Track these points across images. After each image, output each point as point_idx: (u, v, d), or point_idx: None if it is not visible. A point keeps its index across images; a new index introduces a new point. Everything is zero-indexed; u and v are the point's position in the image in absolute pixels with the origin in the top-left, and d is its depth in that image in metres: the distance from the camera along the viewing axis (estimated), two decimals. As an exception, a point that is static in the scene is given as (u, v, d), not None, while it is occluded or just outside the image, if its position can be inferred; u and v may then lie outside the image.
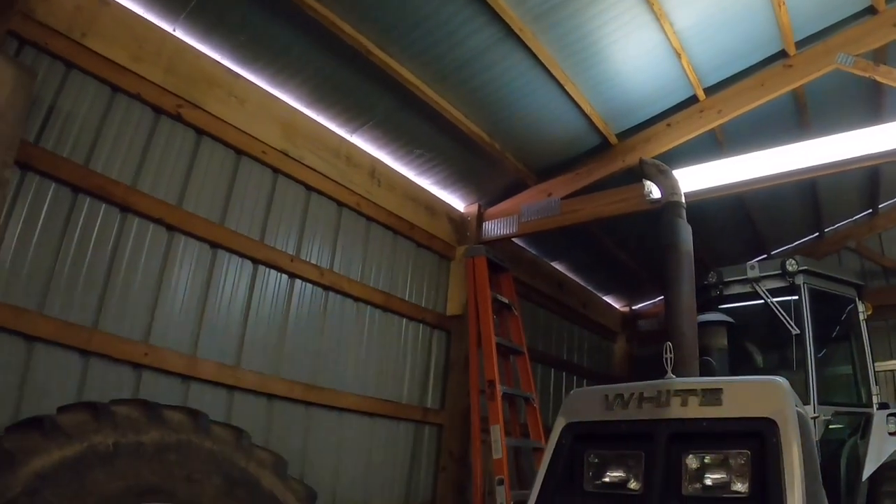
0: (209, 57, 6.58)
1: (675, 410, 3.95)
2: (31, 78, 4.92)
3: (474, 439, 8.28)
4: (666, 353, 4.45)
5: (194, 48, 6.46)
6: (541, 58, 7.46)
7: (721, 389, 3.87)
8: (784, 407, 3.75)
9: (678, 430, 3.90)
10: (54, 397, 4.90)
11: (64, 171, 5.30)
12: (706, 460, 3.83)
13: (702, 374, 5.68)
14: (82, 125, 5.55)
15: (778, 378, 3.92)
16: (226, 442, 5.16)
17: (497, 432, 7.86)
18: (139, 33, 5.97)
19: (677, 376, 4.38)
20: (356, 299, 7.90)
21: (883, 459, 7.35)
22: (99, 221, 5.55)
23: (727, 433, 3.81)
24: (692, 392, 3.96)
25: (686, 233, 6.34)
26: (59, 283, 5.22)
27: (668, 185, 7.09)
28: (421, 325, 8.93)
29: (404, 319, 8.67)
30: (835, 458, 7.31)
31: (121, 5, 5.89)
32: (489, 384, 8.19)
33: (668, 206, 6.80)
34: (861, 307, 8.36)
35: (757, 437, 3.71)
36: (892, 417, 7.56)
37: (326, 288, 7.51)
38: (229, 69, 6.74)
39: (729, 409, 3.82)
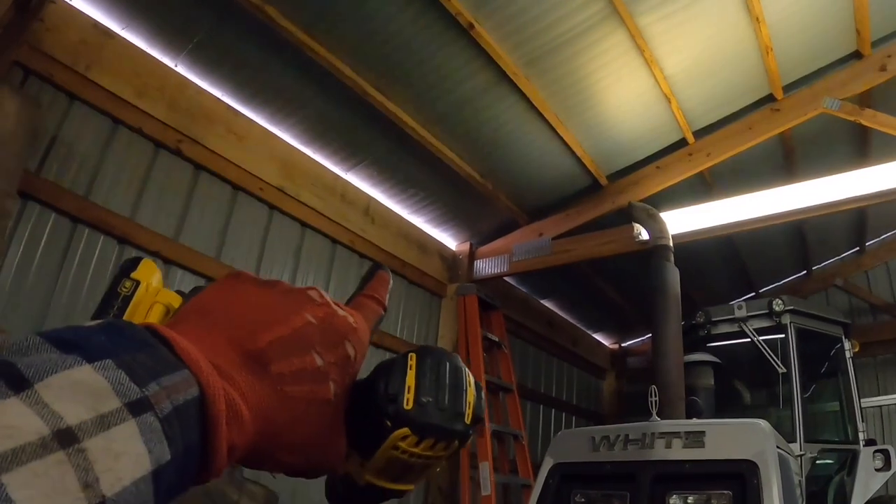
0: (210, 93, 6.69)
1: (659, 452, 4.04)
2: (35, 109, 5.02)
3: (463, 476, 8.31)
4: (651, 395, 4.55)
5: (196, 84, 6.57)
6: (534, 101, 7.62)
7: (703, 432, 3.97)
8: (764, 448, 3.84)
9: (662, 472, 3.99)
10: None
11: (64, 202, 5.39)
12: (689, 501, 3.92)
13: (688, 414, 5.79)
14: (84, 157, 5.65)
15: (759, 420, 4.02)
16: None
17: (486, 469, 7.90)
18: (143, 68, 6.10)
19: (664, 416, 4.48)
20: (349, 336, 7.92)
21: (869, 496, 7.42)
22: (97, 253, 5.61)
23: (710, 474, 3.91)
24: (676, 434, 4.05)
25: (673, 276, 6.48)
26: (56, 311, 5.28)
27: (657, 229, 7.25)
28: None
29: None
30: (822, 494, 7.36)
31: (125, 40, 6.02)
32: (478, 421, 8.22)
33: (655, 250, 6.95)
34: (847, 345, 8.45)
35: (738, 478, 3.80)
36: (879, 454, 7.63)
37: (319, 323, 7.54)
38: (229, 106, 6.85)
39: (711, 450, 3.91)
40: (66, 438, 0.47)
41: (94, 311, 0.96)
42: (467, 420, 0.86)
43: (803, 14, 7.57)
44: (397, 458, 0.83)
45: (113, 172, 5.85)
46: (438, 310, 9.54)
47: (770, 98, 8.51)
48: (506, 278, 10.33)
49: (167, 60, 6.35)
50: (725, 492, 3.80)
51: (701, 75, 8.05)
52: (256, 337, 0.74)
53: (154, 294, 0.96)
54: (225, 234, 6.72)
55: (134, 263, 0.99)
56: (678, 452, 3.94)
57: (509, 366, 9.39)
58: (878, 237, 12.77)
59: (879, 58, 7.92)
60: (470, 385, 0.88)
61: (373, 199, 8.46)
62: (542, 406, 11.88)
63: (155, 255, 6.00)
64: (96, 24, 5.78)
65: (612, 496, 4.13)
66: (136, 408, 0.53)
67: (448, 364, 0.88)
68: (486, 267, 9.59)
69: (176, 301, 0.95)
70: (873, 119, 7.78)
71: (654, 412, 4.38)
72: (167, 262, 6.12)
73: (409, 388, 0.83)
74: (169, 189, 6.30)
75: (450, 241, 9.86)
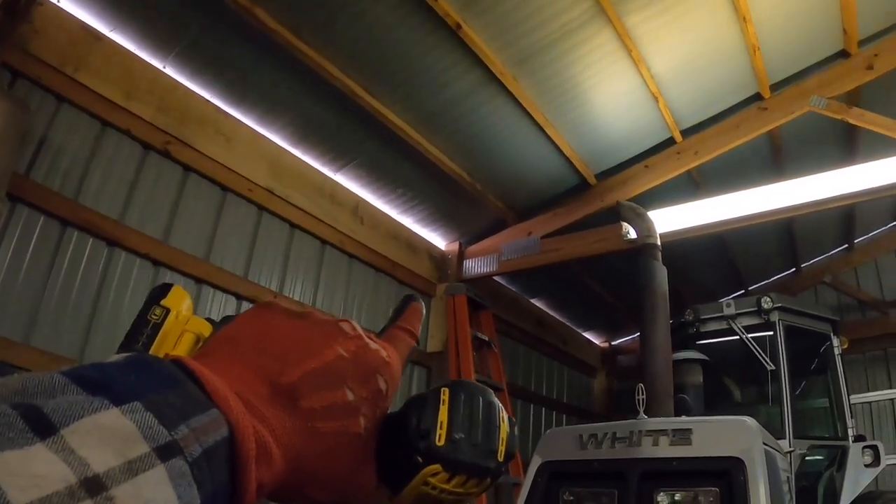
0: (199, 95, 6.70)
1: (647, 450, 4.07)
2: (23, 111, 5.01)
3: (453, 475, 8.31)
4: (638, 394, 4.57)
5: (184, 86, 6.58)
6: (521, 101, 7.66)
7: (690, 429, 4.00)
8: (751, 446, 3.87)
9: (650, 469, 4.02)
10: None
11: (53, 205, 5.39)
12: (676, 498, 3.95)
13: (677, 412, 5.82)
14: (72, 159, 5.65)
15: (745, 418, 4.05)
16: None
17: (476, 468, 7.91)
18: (131, 70, 6.10)
19: (653, 414, 4.51)
20: (338, 335, 7.92)
21: (859, 491, 7.49)
22: (86, 255, 5.61)
23: (697, 472, 3.93)
24: (663, 432, 4.08)
25: (661, 274, 6.51)
26: (45, 315, 5.28)
27: (644, 228, 7.29)
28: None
29: (385, 356, 8.67)
30: (812, 490, 7.40)
31: (113, 42, 6.01)
32: (469, 420, 8.23)
33: (643, 249, 6.98)
34: (836, 342, 8.51)
35: (725, 476, 3.83)
36: (868, 450, 7.68)
37: (308, 325, 7.54)
38: (218, 107, 6.86)
39: (698, 448, 3.94)
40: (93, 486, 0.47)
41: (124, 338, 0.96)
42: (500, 457, 0.86)
43: (790, 13, 7.60)
44: (427, 493, 0.83)
45: (102, 174, 5.85)
46: (428, 310, 9.54)
47: (757, 97, 8.56)
48: (495, 278, 10.34)
49: (156, 62, 6.35)
50: (713, 489, 3.83)
51: (688, 74, 8.09)
52: (288, 371, 0.74)
53: (184, 322, 0.96)
54: (214, 236, 6.72)
55: (164, 290, 0.99)
56: (665, 450, 3.97)
57: (499, 365, 9.40)
58: (867, 234, 12.84)
59: (866, 56, 7.97)
60: (503, 421, 0.88)
61: (362, 199, 8.47)
62: (532, 405, 11.90)
63: (144, 257, 6.01)
64: (85, 27, 5.78)
65: (601, 494, 4.16)
66: (165, 452, 0.53)
67: (481, 400, 0.88)
68: (475, 266, 9.61)
69: (206, 329, 0.95)
70: (860, 117, 7.83)
71: (642, 410, 4.42)
72: (156, 263, 6.11)
73: (441, 423, 0.83)
74: (158, 191, 6.30)
75: (439, 240, 9.88)
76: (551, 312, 12.66)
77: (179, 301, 0.98)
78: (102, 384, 0.54)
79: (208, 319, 0.98)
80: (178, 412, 0.57)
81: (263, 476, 0.66)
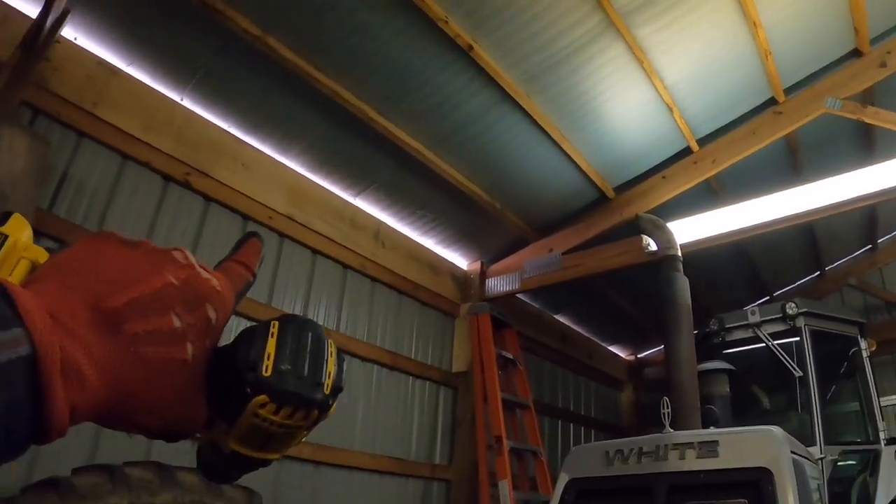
0: (216, 125, 6.76)
1: (674, 464, 4.06)
2: (44, 147, 5.06)
3: (483, 495, 8.30)
4: (663, 407, 4.56)
5: (202, 117, 6.65)
6: (536, 118, 7.67)
7: (717, 441, 3.98)
8: (779, 455, 3.85)
9: (677, 483, 4.01)
10: (68, 459, 4.97)
11: (76, 238, 5.42)
12: (705, 510, 3.93)
13: (704, 423, 5.79)
14: (94, 193, 5.71)
15: (772, 427, 4.03)
16: (237, 503, 5.23)
17: (505, 488, 7.89)
18: (149, 103, 6.17)
19: (681, 426, 4.49)
20: (363, 359, 7.97)
21: (893, 494, 7.39)
22: (111, 289, 5.63)
23: (724, 483, 3.92)
24: (689, 445, 4.06)
25: (683, 286, 6.48)
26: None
27: (665, 240, 7.26)
28: (427, 382, 8.98)
29: (411, 377, 8.73)
30: (845, 496, 7.33)
31: (130, 76, 6.09)
32: (496, 439, 8.23)
33: (664, 261, 6.96)
34: (864, 344, 8.43)
35: (753, 486, 3.81)
36: (901, 452, 7.62)
37: (334, 349, 7.56)
38: (236, 137, 6.92)
39: (725, 460, 3.92)
40: None
41: None
42: (326, 390, 0.87)
43: (800, 16, 7.60)
44: (258, 425, 0.84)
45: (123, 207, 5.91)
46: (452, 330, 9.55)
47: (772, 101, 8.54)
48: (518, 295, 10.32)
49: (173, 94, 6.42)
50: (741, 500, 3.81)
51: (702, 83, 8.09)
52: (113, 295, 0.75)
53: (22, 249, 0.94)
54: (237, 265, 6.74)
55: (4, 217, 0.98)
56: (692, 463, 3.96)
57: (525, 382, 9.38)
58: (890, 233, 12.75)
59: (879, 54, 7.96)
60: (332, 355, 0.90)
61: (382, 223, 8.50)
62: (560, 421, 11.86)
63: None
64: (101, 62, 5.86)
65: (629, 509, 4.16)
66: None
67: (310, 334, 0.89)
68: (497, 285, 9.61)
69: (43, 257, 0.93)
70: (876, 116, 7.80)
71: (668, 423, 4.41)
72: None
73: (268, 355, 0.84)
74: (179, 221, 6.35)
75: (461, 260, 9.88)
76: (575, 327, 12.63)
77: (20, 228, 0.97)
78: None
79: (48, 249, 0.99)
80: None
81: (75, 397, 0.67)
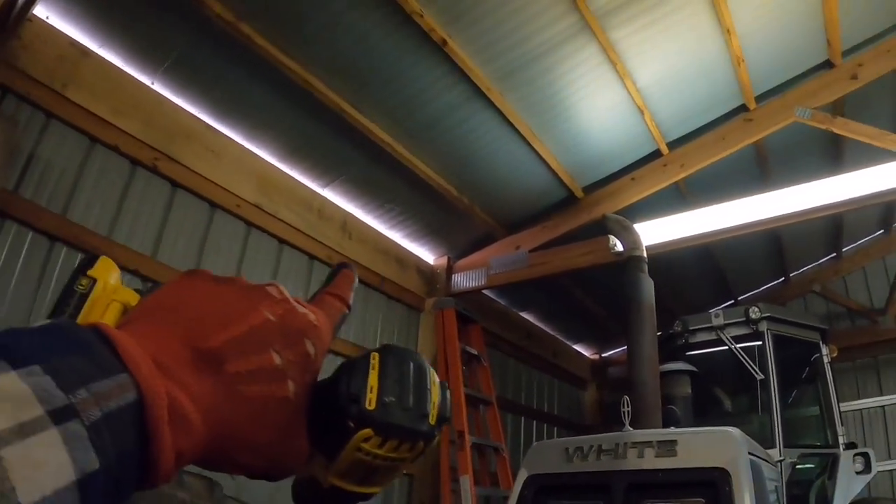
0: (186, 111, 6.71)
1: (632, 462, 4.08)
2: (12, 127, 5.02)
3: (444, 489, 8.31)
4: (623, 406, 4.59)
5: (172, 102, 6.59)
6: (507, 115, 7.68)
7: (675, 441, 4.01)
8: (736, 456, 3.89)
9: (635, 481, 4.04)
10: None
11: (42, 220, 5.39)
12: (663, 509, 3.96)
13: (665, 423, 5.84)
14: (61, 175, 5.65)
15: (730, 428, 4.07)
16: (199, 494, 5.19)
17: (466, 483, 7.91)
18: (119, 86, 6.11)
19: (642, 426, 4.53)
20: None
21: (850, 498, 7.51)
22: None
23: (682, 483, 3.95)
24: (648, 444, 4.09)
25: (647, 286, 6.54)
26: (34, 331, 5.24)
27: (630, 240, 7.32)
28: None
29: (375, 371, 8.66)
30: (804, 498, 7.42)
31: (101, 58, 6.03)
32: (458, 435, 8.25)
33: (630, 262, 7.01)
34: (825, 350, 8.53)
35: (711, 486, 3.84)
36: (859, 457, 7.70)
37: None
38: (206, 123, 6.87)
39: (683, 459, 3.95)
40: None
41: (52, 308, 0.96)
42: (432, 420, 0.86)
43: (774, 25, 7.66)
44: (361, 459, 0.83)
45: (90, 190, 5.85)
46: (417, 324, 9.54)
47: (743, 108, 8.62)
48: (484, 291, 10.32)
49: (144, 78, 6.36)
50: (698, 500, 3.85)
51: (674, 87, 8.13)
52: (211, 335, 0.74)
53: (112, 292, 0.95)
54: (202, 252, 6.72)
55: (91, 261, 0.98)
56: (651, 462, 3.98)
57: (489, 378, 9.40)
58: (854, 242, 12.90)
59: (850, 67, 8.04)
60: (434, 384, 0.88)
61: (350, 214, 8.47)
62: (523, 418, 11.88)
63: (133, 272, 6.00)
64: (73, 43, 5.79)
65: (587, 506, 4.19)
66: (60, 416, 0.53)
67: (412, 363, 0.88)
68: (464, 280, 9.60)
69: (134, 299, 0.94)
70: (845, 127, 7.89)
71: (627, 422, 4.44)
72: (145, 279, 6.10)
73: (371, 387, 0.82)
74: (146, 206, 6.30)
75: (427, 255, 9.87)
76: (541, 325, 12.65)
77: (107, 271, 0.97)
78: (6, 348, 0.55)
79: (137, 290, 0.98)
80: (81, 376, 0.57)
81: (181, 442, 0.66)
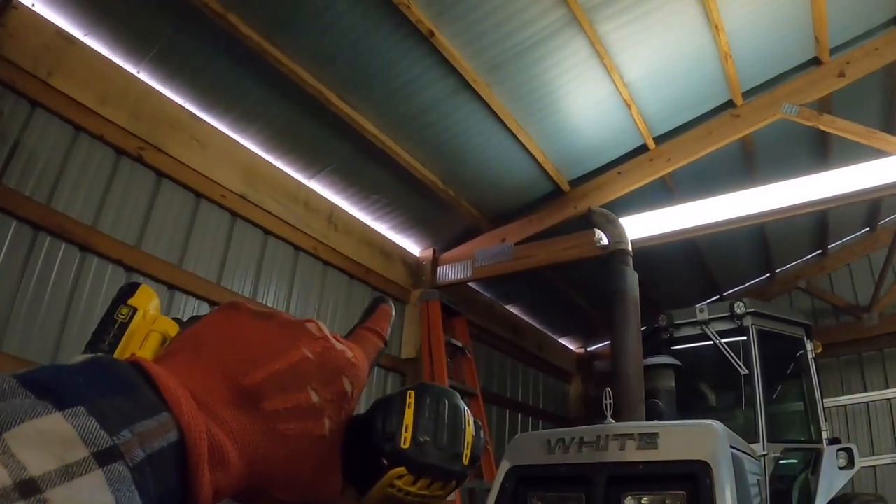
0: (173, 101, 6.66)
1: (613, 454, 4.10)
2: (-4, 116, 5.00)
3: (428, 481, 8.31)
4: (605, 398, 4.60)
5: (158, 91, 6.54)
6: (494, 109, 7.68)
7: (657, 433, 4.03)
8: (717, 449, 3.91)
9: (616, 473, 4.05)
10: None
11: (25, 210, 5.34)
12: (644, 501, 3.98)
13: (649, 416, 5.87)
14: (45, 164, 5.59)
15: (711, 422, 4.09)
16: None
17: (449, 473, 7.92)
18: (105, 75, 6.06)
19: (625, 419, 4.55)
20: (312, 342, 7.90)
21: (833, 494, 7.57)
22: (59, 260, 5.55)
23: (663, 475, 3.96)
24: (630, 436, 4.11)
25: (632, 279, 6.55)
26: (17, 320, 5.23)
27: (616, 234, 7.33)
28: (375, 367, 8.93)
29: (360, 363, 8.66)
30: (787, 493, 7.47)
31: (87, 46, 5.97)
32: (442, 426, 8.24)
33: (614, 255, 7.02)
34: (809, 346, 8.60)
35: (692, 479, 3.86)
36: (843, 452, 7.76)
37: (282, 331, 7.51)
38: (192, 113, 6.82)
39: (664, 452, 3.97)
40: (28, 489, 0.47)
41: (91, 337, 0.96)
42: (465, 461, 0.87)
43: (762, 22, 7.68)
44: (393, 495, 0.83)
45: (74, 180, 5.80)
46: (402, 316, 9.51)
47: (730, 104, 8.65)
48: (470, 284, 10.33)
49: (130, 67, 6.32)
50: (679, 492, 3.86)
51: (661, 82, 8.15)
52: (250, 372, 0.74)
53: (151, 322, 0.95)
54: (187, 242, 6.69)
55: (132, 290, 0.99)
56: (632, 454, 4.00)
57: (473, 371, 9.41)
58: (840, 240, 12.99)
59: (838, 64, 8.08)
60: (469, 424, 0.89)
61: (336, 205, 8.45)
62: (507, 411, 11.91)
63: (117, 262, 5.98)
64: (59, 31, 5.74)
65: (568, 498, 4.19)
66: (105, 457, 0.53)
67: (447, 403, 0.88)
68: (449, 273, 9.60)
69: (173, 329, 0.95)
70: (832, 124, 7.94)
71: (609, 415, 4.46)
72: (129, 269, 6.07)
73: (406, 426, 0.83)
74: (131, 196, 6.25)
75: (413, 247, 9.87)
76: (526, 318, 12.68)
77: (147, 300, 0.98)
78: (50, 388, 0.55)
79: (175, 319, 0.98)
80: (124, 417, 0.57)
81: (220, 480, 0.67)
